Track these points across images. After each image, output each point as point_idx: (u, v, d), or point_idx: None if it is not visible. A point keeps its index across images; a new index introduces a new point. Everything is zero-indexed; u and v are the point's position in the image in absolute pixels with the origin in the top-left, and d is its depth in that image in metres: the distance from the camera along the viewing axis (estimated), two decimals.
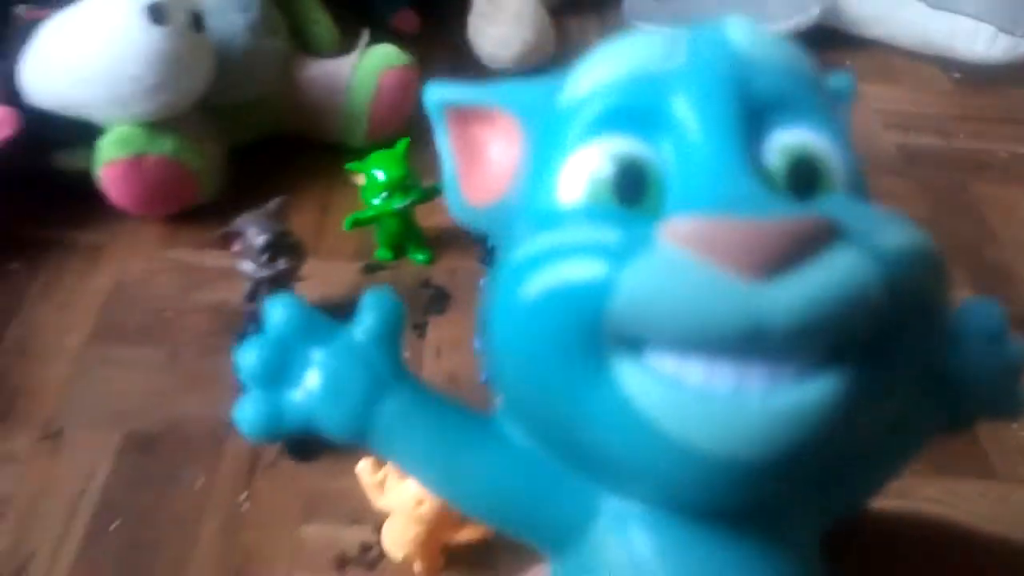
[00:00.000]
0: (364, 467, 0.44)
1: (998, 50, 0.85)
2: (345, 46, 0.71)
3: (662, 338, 0.18)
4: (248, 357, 0.23)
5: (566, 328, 0.19)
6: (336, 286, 0.61)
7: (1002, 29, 0.84)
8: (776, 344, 0.18)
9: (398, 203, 0.58)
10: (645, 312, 0.18)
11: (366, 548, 0.46)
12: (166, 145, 0.59)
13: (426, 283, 0.62)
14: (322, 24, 0.72)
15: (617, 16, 0.93)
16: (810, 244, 0.17)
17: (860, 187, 0.22)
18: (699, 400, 0.18)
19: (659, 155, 0.20)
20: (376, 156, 0.58)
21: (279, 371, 0.23)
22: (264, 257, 0.51)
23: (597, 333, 0.18)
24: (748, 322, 0.17)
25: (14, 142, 0.58)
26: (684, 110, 0.20)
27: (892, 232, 0.19)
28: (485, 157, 0.26)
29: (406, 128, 0.66)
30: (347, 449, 0.48)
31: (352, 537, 0.47)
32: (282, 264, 0.52)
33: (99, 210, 0.62)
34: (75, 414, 0.52)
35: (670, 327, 0.18)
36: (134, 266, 0.61)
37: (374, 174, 0.57)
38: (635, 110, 0.21)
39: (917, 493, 0.52)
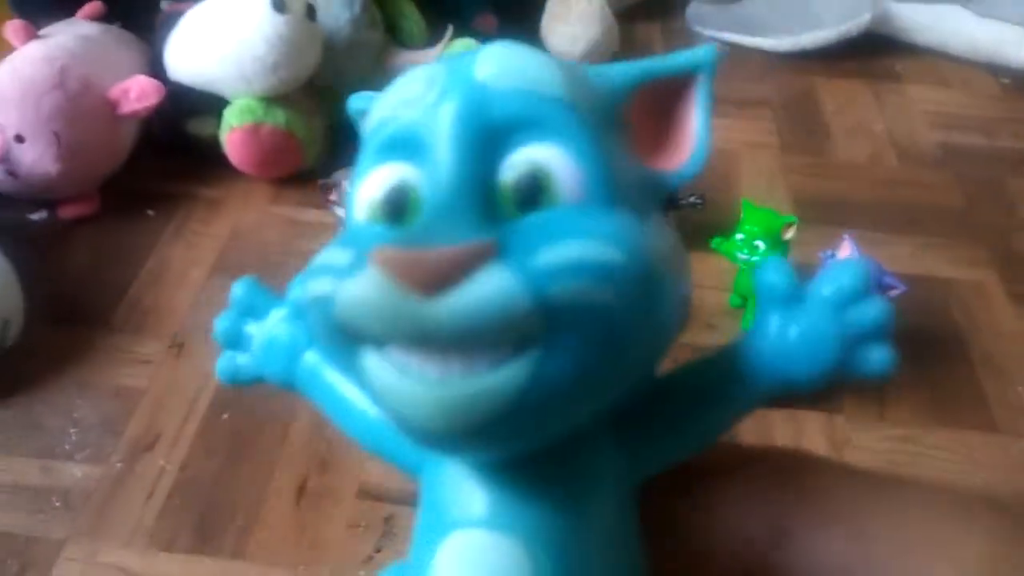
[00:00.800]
0: None
1: None
2: (431, 40, 0.81)
3: (371, 339, 0.22)
4: (218, 326, 0.30)
5: (322, 326, 0.23)
6: None
7: None
8: (450, 344, 0.21)
9: None
10: (355, 318, 0.22)
11: None
12: (279, 116, 0.70)
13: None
14: (412, 20, 0.81)
15: (679, 21, 1.01)
16: (464, 267, 0.20)
17: (599, 197, 0.23)
18: (414, 384, 0.22)
19: (420, 178, 0.23)
20: None
21: (238, 337, 0.30)
22: None
23: (342, 331, 0.22)
24: (418, 329, 0.21)
25: (156, 110, 0.70)
26: (437, 138, 0.23)
27: (563, 249, 0.21)
28: None
29: None
30: None
31: None
32: None
33: (220, 170, 0.74)
34: (196, 330, 0.63)
35: (371, 331, 0.22)
36: (247, 217, 0.72)
37: None
38: (400, 140, 0.24)
39: (923, 440, 0.58)
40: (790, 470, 0.28)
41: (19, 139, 0.65)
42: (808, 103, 0.91)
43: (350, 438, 0.29)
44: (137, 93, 0.68)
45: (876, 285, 0.57)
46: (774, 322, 0.26)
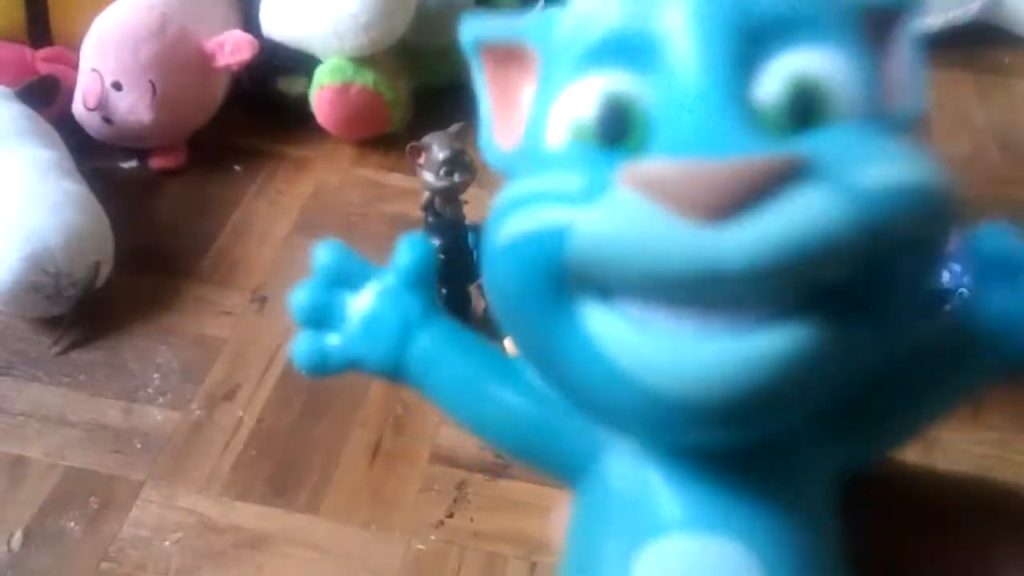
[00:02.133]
0: (511, 340, 0.52)
1: None
2: (524, 6, 0.80)
3: (619, 282, 0.18)
4: (298, 300, 0.25)
5: (533, 271, 0.19)
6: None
7: None
8: (735, 290, 0.16)
9: None
10: (600, 257, 0.17)
11: None
12: (368, 77, 0.70)
13: None
14: None
15: None
16: (768, 184, 0.16)
17: (875, 113, 0.19)
18: (660, 343, 0.17)
19: (648, 88, 0.19)
20: None
21: (325, 314, 0.25)
22: (443, 170, 0.60)
23: (562, 277, 0.18)
24: (700, 267, 0.16)
25: (247, 66, 0.70)
26: (675, 39, 0.18)
27: (881, 166, 0.17)
28: (517, 99, 0.24)
29: None
30: (494, 335, 0.58)
31: None
32: (457, 178, 0.61)
33: (307, 129, 0.74)
34: (278, 285, 0.63)
35: (624, 272, 0.17)
36: (331, 177, 0.73)
37: None
38: (623, 42, 0.19)
39: (1018, 446, 0.55)
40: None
41: (116, 86, 0.66)
42: None
43: (482, 434, 0.25)
44: (232, 47, 0.68)
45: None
46: (1000, 297, 0.24)
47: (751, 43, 0.18)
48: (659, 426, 0.19)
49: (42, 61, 0.71)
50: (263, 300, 0.62)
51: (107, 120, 0.68)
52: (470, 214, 0.67)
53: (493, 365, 0.25)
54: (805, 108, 0.18)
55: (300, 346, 0.25)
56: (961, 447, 0.55)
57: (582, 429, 0.23)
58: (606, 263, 0.17)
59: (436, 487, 0.51)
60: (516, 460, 0.22)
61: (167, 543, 0.48)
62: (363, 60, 0.70)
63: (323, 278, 0.26)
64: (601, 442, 0.22)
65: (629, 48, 0.19)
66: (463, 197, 0.65)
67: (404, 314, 0.25)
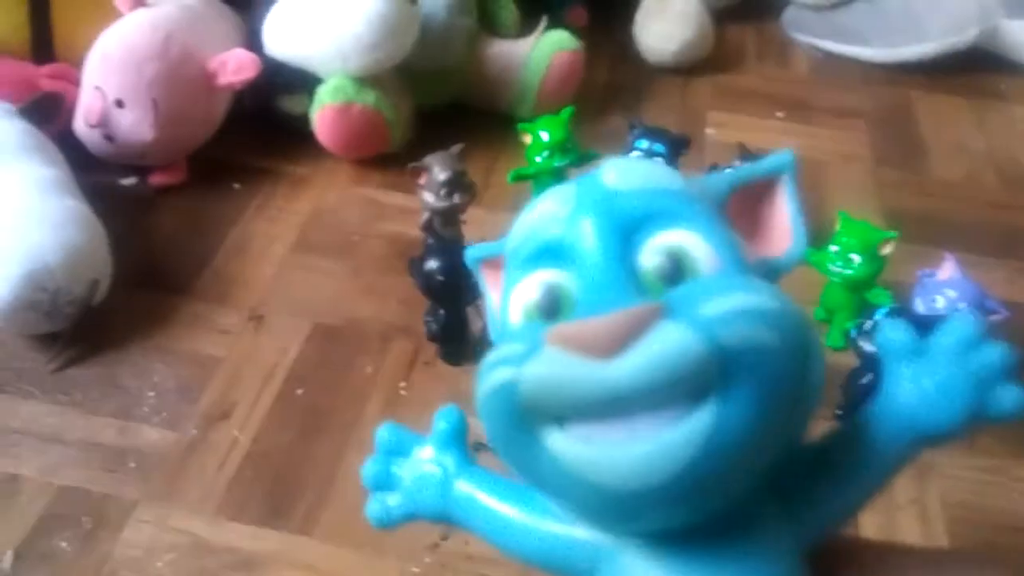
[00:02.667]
0: None
1: None
2: (524, 30, 0.81)
3: (560, 412, 0.24)
4: (366, 471, 0.32)
5: (504, 415, 0.25)
6: (494, 232, 0.68)
7: None
8: (637, 402, 0.23)
9: (557, 162, 0.66)
10: (541, 397, 0.24)
11: None
12: (370, 97, 0.70)
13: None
14: (507, 9, 0.81)
15: (774, 25, 0.98)
16: (638, 326, 0.22)
17: (734, 267, 0.25)
18: (599, 451, 0.23)
19: (571, 277, 0.26)
20: (543, 119, 0.67)
21: (387, 479, 0.32)
22: (443, 191, 0.61)
23: (522, 415, 0.24)
24: (605, 392, 0.23)
25: (249, 85, 0.71)
26: (578, 242, 0.25)
27: (725, 300, 0.23)
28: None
29: (570, 103, 0.74)
30: None
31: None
32: (457, 199, 0.61)
33: (307, 148, 0.74)
34: (275, 304, 0.63)
35: (560, 404, 0.24)
36: (330, 196, 0.73)
37: (539, 134, 0.66)
38: (546, 250, 0.26)
39: (1012, 472, 0.55)
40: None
41: (119, 104, 0.66)
42: (905, 117, 0.87)
43: (515, 557, 0.30)
44: (235, 66, 0.68)
45: (978, 308, 0.55)
46: (906, 378, 0.27)
47: (632, 233, 0.26)
48: (618, 515, 0.26)
49: (45, 78, 0.72)
50: (260, 319, 0.62)
51: (108, 137, 0.68)
52: (469, 235, 0.67)
53: (515, 498, 0.31)
54: (676, 270, 0.25)
55: (371, 507, 0.32)
56: (956, 473, 0.55)
57: (588, 538, 0.29)
58: (546, 400, 0.24)
59: None
60: (545, 570, 0.30)
61: (160, 564, 0.48)
62: (365, 80, 0.70)
63: (383, 451, 0.33)
64: (605, 548, 0.28)
65: (555, 252, 0.26)
66: (462, 218, 0.65)
67: (444, 471, 0.31)
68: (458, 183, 0.61)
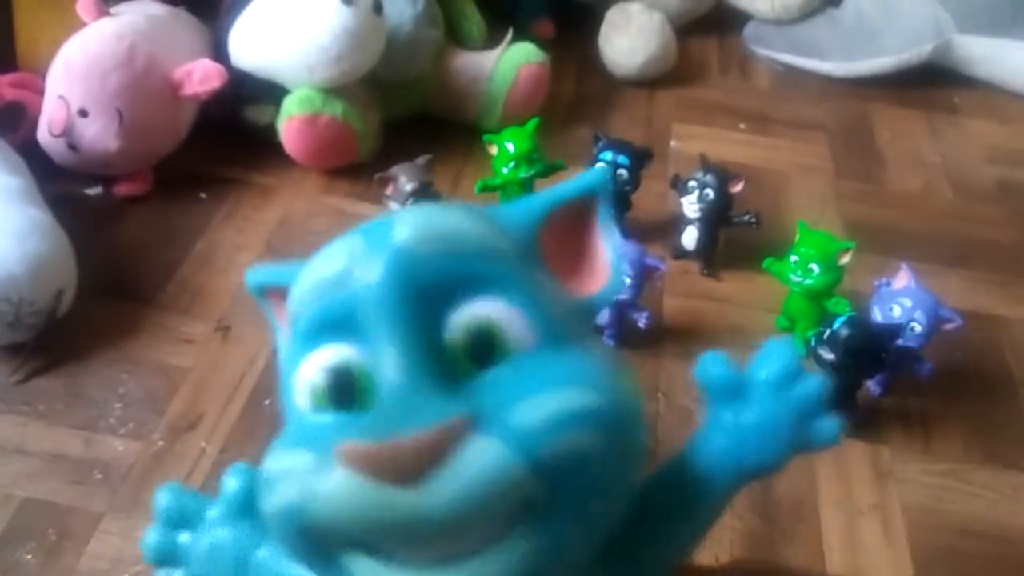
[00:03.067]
0: None
1: None
2: (490, 42, 0.81)
3: (360, 542, 0.21)
4: (148, 544, 0.29)
5: (293, 536, 0.22)
6: None
7: None
8: (443, 535, 0.20)
9: (523, 172, 0.67)
10: (329, 525, 0.21)
11: None
12: (337, 108, 0.70)
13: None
14: (473, 21, 0.82)
15: (736, 40, 1.00)
16: (442, 447, 0.19)
17: (553, 332, 0.22)
18: None
19: (364, 354, 0.22)
20: (509, 131, 0.67)
21: (171, 552, 0.29)
22: (410, 201, 0.61)
23: (319, 537, 0.22)
24: (406, 524, 0.20)
25: (215, 95, 0.70)
26: (366, 314, 0.22)
27: (541, 404, 0.20)
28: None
29: (536, 115, 0.75)
30: None
31: None
32: None
33: (274, 158, 0.74)
34: (243, 314, 0.63)
35: (352, 535, 0.21)
36: (298, 206, 0.73)
37: (506, 145, 0.67)
38: (331, 321, 0.23)
39: (969, 477, 0.57)
40: None
41: (83, 113, 0.66)
42: (863, 130, 0.90)
43: None
44: (201, 76, 0.68)
45: (933, 317, 0.57)
46: (726, 417, 0.27)
47: (433, 304, 0.22)
48: None
49: (7, 87, 0.71)
50: (227, 329, 0.62)
51: (72, 147, 0.67)
52: None
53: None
54: (485, 348, 0.22)
55: None
56: (914, 478, 0.56)
57: None
58: (341, 529, 0.21)
59: None
60: None
61: None
62: (332, 91, 0.70)
63: (166, 521, 0.29)
64: None
65: (342, 324, 0.22)
66: None
67: (238, 540, 0.28)
68: (425, 193, 0.62)
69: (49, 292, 0.57)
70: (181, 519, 0.29)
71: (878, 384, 0.59)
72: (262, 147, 0.74)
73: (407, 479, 0.20)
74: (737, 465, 0.27)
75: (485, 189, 0.69)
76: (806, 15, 0.96)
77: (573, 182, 0.26)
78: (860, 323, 0.54)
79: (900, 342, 0.56)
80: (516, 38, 0.80)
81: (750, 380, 0.27)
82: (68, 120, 0.66)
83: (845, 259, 0.59)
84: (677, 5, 0.96)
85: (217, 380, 0.58)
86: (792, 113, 0.91)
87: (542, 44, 0.82)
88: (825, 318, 0.57)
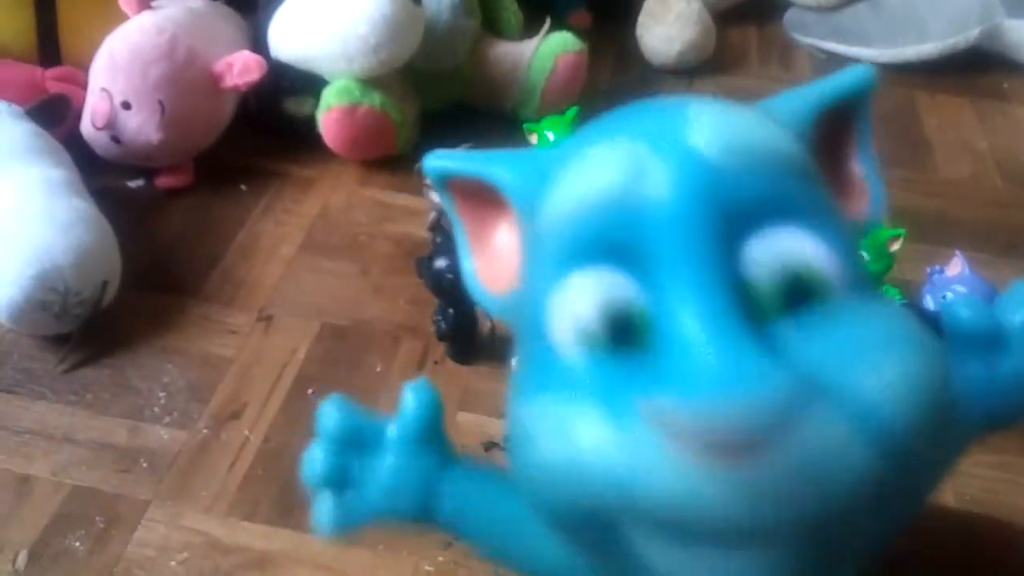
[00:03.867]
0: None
1: None
2: (528, 32, 0.81)
3: (666, 529, 0.18)
4: (311, 465, 0.25)
5: (580, 507, 0.19)
6: None
7: None
8: (760, 534, 0.17)
9: None
10: (638, 503, 0.18)
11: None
12: (376, 98, 0.70)
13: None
14: (511, 11, 0.81)
15: (777, 26, 0.99)
16: (787, 424, 0.16)
17: (857, 276, 0.20)
18: (697, 561, 0.18)
19: (645, 290, 0.19)
20: (549, 120, 0.67)
21: (341, 477, 0.25)
22: None
23: (612, 513, 0.19)
24: (733, 516, 0.17)
25: (255, 87, 0.71)
26: (660, 243, 0.18)
27: (879, 371, 0.18)
28: (494, 241, 0.25)
29: (574, 104, 0.74)
30: (500, 355, 0.58)
31: (497, 427, 0.55)
32: None
33: (313, 150, 0.74)
34: (284, 305, 0.63)
35: (660, 515, 0.18)
36: (337, 198, 0.73)
37: (545, 134, 0.66)
38: (611, 242, 0.19)
39: (1021, 469, 0.56)
40: None
41: (126, 106, 0.66)
42: (909, 117, 0.88)
43: (518, 568, 0.25)
44: (240, 68, 0.68)
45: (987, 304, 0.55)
46: (979, 369, 0.24)
47: (733, 228, 0.19)
48: None
49: (52, 80, 0.72)
50: (269, 319, 0.62)
51: (115, 139, 0.68)
52: None
53: (516, 506, 0.24)
54: (796, 289, 0.19)
55: (322, 513, 0.25)
56: (968, 470, 0.55)
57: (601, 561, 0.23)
58: (644, 507, 0.18)
59: None
60: None
61: (173, 563, 0.48)
62: (370, 81, 0.70)
63: (331, 443, 0.26)
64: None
65: (622, 249, 0.19)
66: None
67: (423, 471, 0.25)
68: None
69: (94, 283, 0.57)
70: (353, 439, 0.26)
71: None
72: (301, 139, 0.74)
73: (747, 458, 0.16)
74: (990, 412, 0.25)
75: None
76: (849, 1, 0.94)
77: (838, 78, 0.23)
78: (914, 311, 0.53)
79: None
80: (553, 27, 0.80)
81: (1004, 326, 0.25)
82: (111, 112, 0.66)
83: (896, 246, 0.58)
84: None
85: (259, 370, 0.59)
86: None
87: (579, 33, 0.81)
88: None
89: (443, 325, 0.59)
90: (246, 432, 0.55)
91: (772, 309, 0.19)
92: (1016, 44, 0.91)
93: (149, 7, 0.70)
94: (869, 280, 0.21)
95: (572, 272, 0.20)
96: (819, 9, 0.95)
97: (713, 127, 0.20)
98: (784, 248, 0.19)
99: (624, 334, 0.19)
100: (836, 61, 0.95)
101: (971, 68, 0.92)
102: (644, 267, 0.19)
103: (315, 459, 0.25)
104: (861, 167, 0.23)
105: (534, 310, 0.21)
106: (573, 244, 0.20)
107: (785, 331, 0.18)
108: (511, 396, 0.22)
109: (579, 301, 0.19)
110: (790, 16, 0.97)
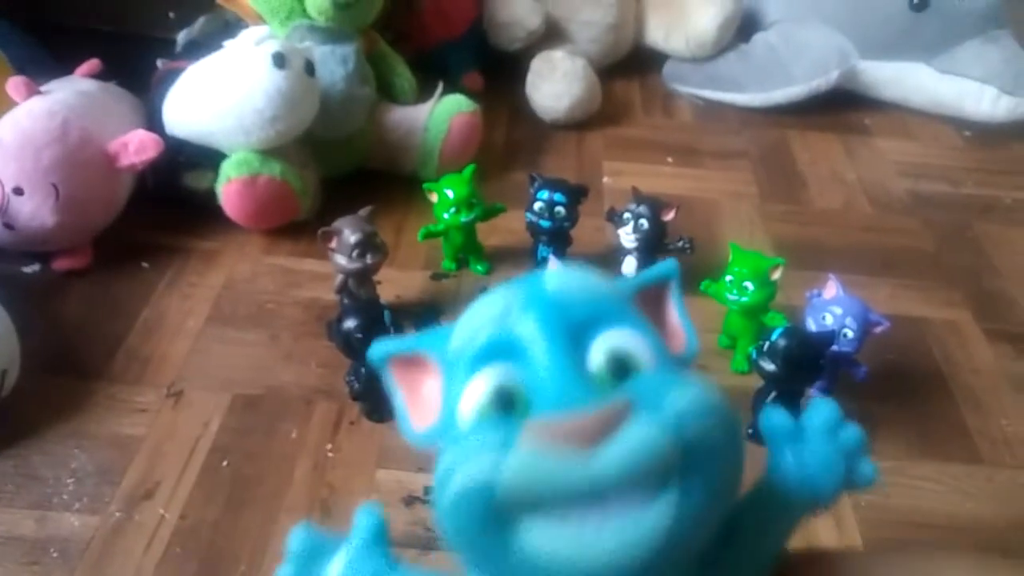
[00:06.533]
0: None
1: (1002, 110, 0.94)
2: (422, 96, 0.84)
3: (538, 504, 0.25)
4: None
5: (477, 512, 0.26)
6: (408, 291, 0.72)
7: (1004, 91, 0.93)
8: (613, 490, 0.25)
9: (464, 217, 0.69)
10: (522, 490, 0.25)
11: (429, 490, 0.55)
12: (275, 168, 0.71)
13: (484, 291, 0.72)
14: (404, 78, 0.84)
15: (657, 79, 1.05)
16: (614, 422, 0.25)
17: (666, 361, 0.29)
18: (573, 536, 0.25)
19: (522, 373, 0.27)
20: (448, 178, 0.69)
21: None
22: (355, 252, 0.62)
23: (498, 510, 0.26)
24: (588, 481, 0.25)
25: (152, 164, 0.71)
26: (531, 342, 0.27)
27: (680, 397, 0.26)
28: (421, 393, 0.33)
29: (472, 161, 0.77)
30: None
31: (418, 482, 0.56)
32: (369, 259, 0.63)
33: (215, 222, 0.75)
34: (193, 378, 0.63)
35: (543, 494, 0.25)
36: (242, 268, 0.73)
37: (445, 192, 0.69)
38: (495, 348, 0.28)
39: (911, 472, 0.60)
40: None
41: (18, 191, 0.66)
42: (784, 154, 0.94)
43: None
44: (136, 147, 0.69)
45: (863, 322, 0.59)
46: (790, 458, 0.33)
47: (577, 334, 0.28)
48: None
49: None
50: (179, 394, 0.62)
51: (8, 226, 0.67)
52: (385, 293, 0.68)
53: None
54: (619, 367, 0.28)
55: None
56: None
57: None
58: (529, 492, 0.25)
59: None
60: None
61: None
62: (269, 152, 0.71)
63: (299, 560, 0.32)
64: None
65: (503, 350, 0.28)
66: (376, 278, 0.67)
67: (373, 569, 0.31)
68: (369, 244, 0.63)
69: None
70: (315, 556, 0.32)
71: (820, 390, 0.62)
72: (202, 213, 0.75)
73: (586, 445, 0.25)
74: (803, 499, 0.33)
75: (428, 235, 0.71)
76: (719, 52, 1.01)
77: (652, 270, 0.33)
78: (796, 333, 0.56)
79: (835, 348, 0.59)
80: (447, 91, 0.83)
81: (806, 427, 0.33)
82: (3, 199, 0.66)
83: (776, 275, 0.62)
84: (598, 49, 1.00)
85: (172, 446, 0.58)
86: (715, 144, 0.95)
87: (473, 95, 0.84)
88: (763, 332, 0.59)
89: (356, 385, 0.60)
90: (161, 511, 0.54)
91: (605, 380, 0.27)
92: (872, 83, 0.99)
93: (38, 92, 0.69)
94: (678, 366, 0.29)
95: (473, 374, 0.28)
96: (694, 60, 1.02)
97: (557, 276, 0.29)
98: (612, 340, 0.28)
99: (513, 409, 0.27)
100: (714, 106, 1.01)
101: (836, 107, 1.00)
102: (523, 359, 0.28)
103: (282, 572, 0.32)
104: (678, 317, 0.32)
105: (449, 422, 0.29)
106: (472, 355, 0.29)
107: (614, 389, 0.27)
108: (434, 482, 0.28)
109: (477, 388, 0.28)
110: (668, 68, 1.04)
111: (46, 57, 0.82)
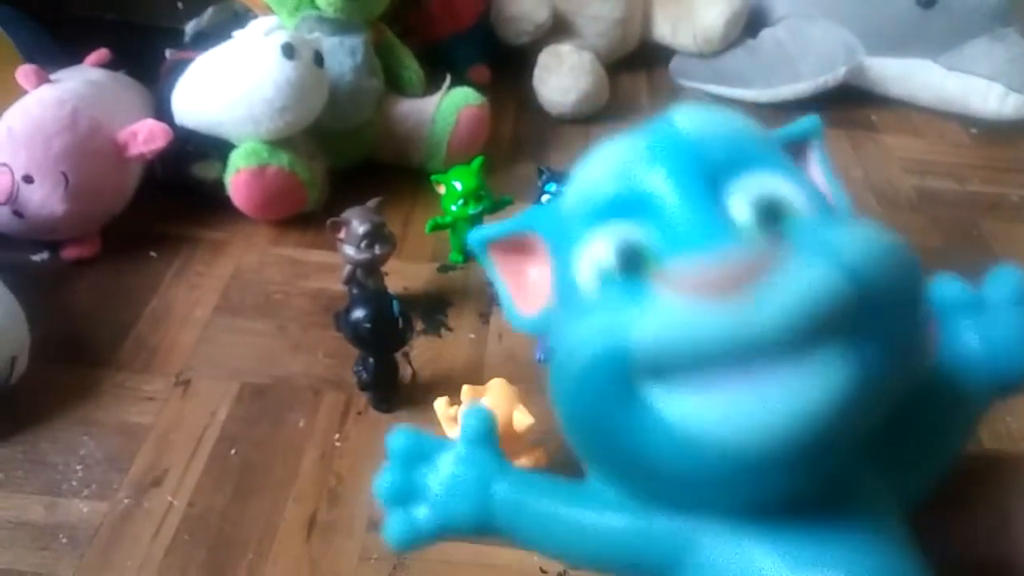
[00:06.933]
0: (440, 402, 0.54)
1: (1009, 108, 0.94)
2: (430, 89, 0.84)
3: (676, 365, 0.21)
4: (381, 484, 0.28)
5: (606, 382, 0.22)
6: (415, 282, 0.72)
7: (1011, 88, 0.93)
8: (773, 346, 0.20)
9: (472, 209, 0.69)
10: (661, 349, 0.21)
11: None
12: (284, 159, 0.72)
13: (490, 282, 0.72)
14: (412, 70, 0.84)
15: (664, 73, 1.05)
16: (768, 263, 0.20)
17: (826, 208, 0.24)
18: (719, 405, 0.21)
19: (648, 230, 0.24)
20: (456, 170, 0.69)
21: (408, 491, 0.28)
22: (364, 243, 0.62)
23: (630, 377, 0.22)
24: (738, 337, 0.20)
25: (160, 154, 0.71)
26: (658, 189, 0.24)
27: (853, 239, 0.22)
28: (526, 278, 0.31)
29: (480, 154, 0.77)
30: (420, 404, 0.59)
31: None
32: (378, 250, 0.63)
33: (223, 213, 0.75)
34: (201, 368, 0.63)
35: (686, 354, 0.21)
36: (250, 258, 0.73)
37: (453, 184, 0.69)
38: (618, 203, 0.25)
39: None
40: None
41: (27, 179, 0.66)
42: None
43: (579, 561, 0.27)
44: (145, 136, 0.69)
45: None
46: (972, 334, 0.29)
47: (717, 179, 0.24)
48: (732, 485, 0.22)
49: None
50: (187, 383, 0.62)
51: (17, 214, 0.67)
52: (392, 284, 0.68)
53: (570, 495, 0.27)
54: (769, 216, 0.23)
55: (391, 526, 0.28)
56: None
57: (667, 528, 0.25)
58: (669, 355, 0.21)
59: (375, 556, 0.51)
60: (618, 571, 0.25)
61: None
62: (278, 143, 0.72)
63: (400, 460, 0.29)
64: (688, 535, 0.24)
65: (627, 205, 0.24)
66: (384, 268, 0.67)
67: (480, 471, 0.28)
68: (378, 235, 0.63)
69: (2, 359, 0.56)
70: (417, 457, 0.29)
71: None
72: (210, 203, 0.75)
73: (734, 292, 0.20)
74: (993, 377, 0.28)
75: (436, 228, 0.71)
76: (727, 47, 1.01)
77: (794, 125, 0.29)
78: None
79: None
80: (454, 84, 0.83)
81: (987, 299, 0.29)
82: (12, 187, 0.66)
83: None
84: (605, 44, 1.00)
85: (179, 435, 0.58)
86: None
87: (480, 88, 0.85)
88: None
89: (364, 375, 0.60)
90: (169, 498, 0.54)
91: (752, 229, 0.23)
92: (879, 80, 0.99)
93: (48, 81, 0.70)
94: (841, 213, 0.25)
95: (592, 229, 0.24)
96: (701, 56, 1.02)
97: (689, 115, 0.26)
98: (757, 184, 0.23)
99: (635, 269, 0.23)
100: (720, 102, 1.01)
101: (842, 103, 1.00)
102: (649, 214, 0.23)
103: (384, 478, 0.28)
104: (822, 174, 0.30)
105: (567, 294, 0.25)
106: (594, 211, 0.25)
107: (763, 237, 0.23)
108: (553, 367, 0.24)
109: (599, 247, 0.24)
110: (676, 63, 1.04)
111: (54, 46, 0.82)
